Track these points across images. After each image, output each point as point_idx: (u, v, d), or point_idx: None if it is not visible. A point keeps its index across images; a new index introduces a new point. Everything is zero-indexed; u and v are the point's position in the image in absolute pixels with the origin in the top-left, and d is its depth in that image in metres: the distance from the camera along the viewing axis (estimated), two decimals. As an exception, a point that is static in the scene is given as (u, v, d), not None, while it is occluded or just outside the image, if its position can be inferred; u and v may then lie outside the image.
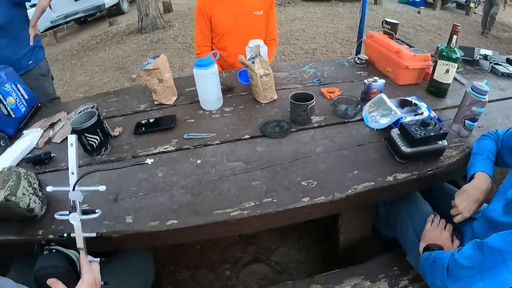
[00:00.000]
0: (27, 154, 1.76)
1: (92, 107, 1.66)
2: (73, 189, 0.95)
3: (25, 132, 1.98)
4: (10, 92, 2.06)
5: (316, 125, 1.43)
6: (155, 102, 1.83)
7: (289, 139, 1.36)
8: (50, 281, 0.90)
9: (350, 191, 1.14)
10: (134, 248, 1.39)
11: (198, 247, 2.14)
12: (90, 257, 0.99)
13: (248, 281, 1.87)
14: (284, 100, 1.52)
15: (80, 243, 0.98)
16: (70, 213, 0.97)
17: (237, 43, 2.17)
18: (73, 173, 0.94)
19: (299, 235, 2.07)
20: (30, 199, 1.25)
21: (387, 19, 1.92)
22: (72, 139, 0.94)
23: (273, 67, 1.85)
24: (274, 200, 1.13)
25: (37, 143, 1.84)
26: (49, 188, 0.97)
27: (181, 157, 1.40)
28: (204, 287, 1.89)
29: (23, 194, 1.23)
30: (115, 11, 10.88)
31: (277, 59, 5.21)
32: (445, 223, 1.21)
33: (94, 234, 1.00)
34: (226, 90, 1.74)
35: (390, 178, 1.19)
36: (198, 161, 1.35)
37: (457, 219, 1.16)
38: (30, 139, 1.88)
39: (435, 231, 1.18)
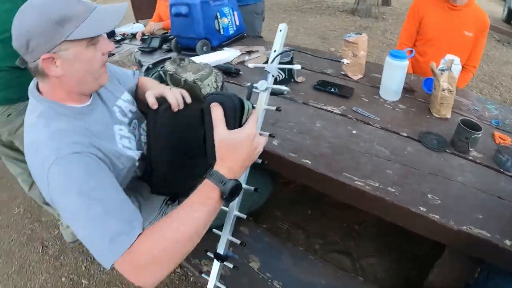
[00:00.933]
0: (222, 64, 2.26)
1: (289, 51, 2.02)
2: (271, 62, 1.08)
3: (225, 48, 2.51)
4: (227, 14, 2.63)
5: (470, 158, 1.50)
6: (342, 72, 2.11)
7: (439, 155, 1.48)
8: (214, 104, 1.02)
9: (465, 227, 1.18)
10: (262, 173, 1.70)
11: (309, 212, 2.43)
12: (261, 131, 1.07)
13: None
14: (453, 123, 1.59)
15: (258, 112, 1.06)
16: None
17: (436, 53, 2.24)
18: (275, 51, 1.09)
19: (396, 258, 2.15)
20: (210, 90, 1.68)
21: None
22: (283, 27, 1.08)
23: (460, 91, 1.93)
24: (396, 193, 1.28)
25: (232, 60, 2.34)
26: (250, 65, 1.18)
27: (341, 122, 1.66)
28: (292, 242, 2.16)
29: (208, 84, 1.67)
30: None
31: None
32: None
33: (274, 108, 1.08)
34: (408, 90, 1.89)
35: (507, 243, 1.16)
36: (353, 131, 1.59)
37: None
38: (228, 54, 2.39)
39: None
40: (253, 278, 1.62)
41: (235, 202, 1.16)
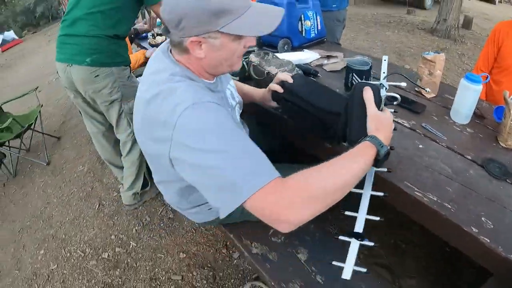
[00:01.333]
0: (302, 64, 2.44)
1: (368, 58, 2.16)
2: (384, 79, 1.51)
3: (305, 50, 2.69)
4: (310, 18, 2.82)
5: (530, 191, 1.53)
6: (416, 89, 2.21)
7: (499, 183, 1.52)
8: (367, 87, 1.32)
9: (512, 257, 1.17)
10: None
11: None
12: None
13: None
14: (518, 155, 1.62)
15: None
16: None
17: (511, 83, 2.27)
18: (384, 73, 1.55)
19: (440, 283, 2.20)
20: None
21: None
22: (386, 57, 1.61)
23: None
24: (452, 210, 1.36)
25: (311, 62, 2.51)
26: (367, 81, 1.67)
27: (409, 136, 1.78)
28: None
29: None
30: (417, 3, 11.52)
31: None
32: None
33: (392, 110, 1.47)
34: (478, 116, 1.94)
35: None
36: (420, 146, 1.70)
37: None
38: (308, 55, 2.56)
39: None
40: (298, 268, 1.76)
41: (370, 183, 1.43)
